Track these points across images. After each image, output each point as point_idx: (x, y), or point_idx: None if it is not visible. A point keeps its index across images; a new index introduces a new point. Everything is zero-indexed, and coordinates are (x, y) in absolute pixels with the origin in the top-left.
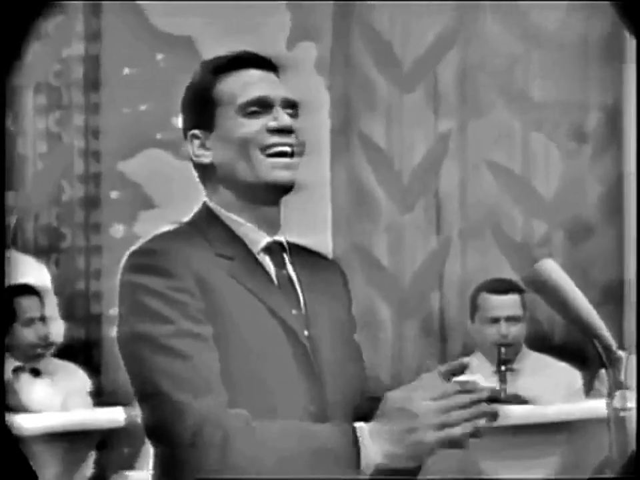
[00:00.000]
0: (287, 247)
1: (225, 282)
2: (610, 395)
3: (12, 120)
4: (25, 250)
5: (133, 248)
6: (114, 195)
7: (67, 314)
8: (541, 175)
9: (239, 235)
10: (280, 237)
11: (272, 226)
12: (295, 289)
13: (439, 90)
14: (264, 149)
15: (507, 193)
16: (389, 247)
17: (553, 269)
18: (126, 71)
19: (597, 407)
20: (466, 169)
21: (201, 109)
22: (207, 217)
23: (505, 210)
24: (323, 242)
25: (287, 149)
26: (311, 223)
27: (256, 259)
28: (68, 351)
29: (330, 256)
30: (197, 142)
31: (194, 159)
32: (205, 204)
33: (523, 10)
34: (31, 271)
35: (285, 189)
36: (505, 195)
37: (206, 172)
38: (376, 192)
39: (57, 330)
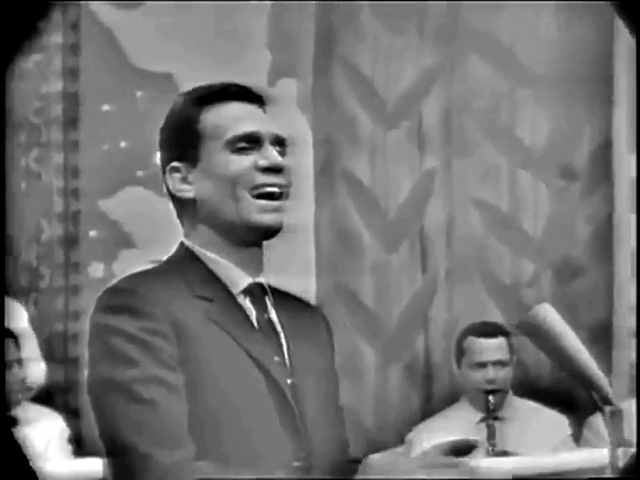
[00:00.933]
0: (268, 290)
1: (203, 325)
2: (612, 453)
3: None
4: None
5: (106, 287)
6: (93, 233)
7: (46, 356)
8: (528, 213)
9: (218, 275)
10: (262, 279)
11: (254, 267)
12: (277, 334)
13: (423, 127)
14: (253, 188)
15: (493, 232)
16: (373, 287)
17: (549, 314)
18: (105, 107)
19: (592, 458)
20: (452, 207)
21: (184, 140)
22: (185, 256)
23: (492, 249)
24: (306, 282)
25: (276, 189)
26: (294, 263)
27: (236, 301)
28: (47, 395)
29: (313, 299)
30: (177, 175)
31: (175, 193)
32: (182, 243)
33: (508, 46)
34: (9, 313)
35: (272, 232)
36: (492, 234)
37: (186, 208)
38: (360, 231)
39: (38, 372)
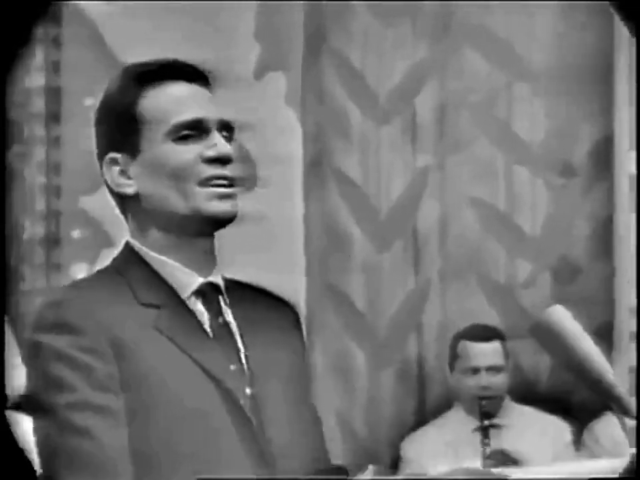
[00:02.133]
0: (223, 289)
1: (148, 337)
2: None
3: None
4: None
5: (43, 299)
6: (75, 233)
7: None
8: (525, 211)
9: (165, 277)
10: (214, 277)
11: (205, 264)
12: (234, 339)
13: (416, 122)
14: (200, 182)
15: (489, 231)
16: (364, 288)
17: (562, 317)
18: (88, 102)
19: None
20: (446, 205)
21: (122, 128)
22: (130, 258)
23: (488, 249)
24: (295, 282)
25: (226, 182)
26: (282, 262)
27: (186, 306)
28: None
29: (302, 300)
30: (116, 168)
31: (114, 188)
32: (127, 243)
33: (505, 39)
34: None
35: (225, 220)
36: (488, 233)
37: (128, 204)
38: (351, 230)
39: (18, 379)
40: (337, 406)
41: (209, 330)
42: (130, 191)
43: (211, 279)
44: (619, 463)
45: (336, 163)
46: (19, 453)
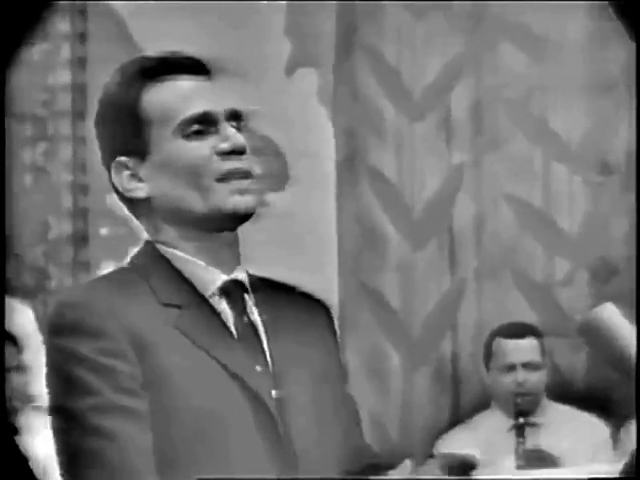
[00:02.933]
0: (248, 287)
1: (170, 338)
2: None
3: None
4: (8, 291)
5: (56, 300)
6: (103, 231)
7: None
8: (563, 209)
9: (187, 276)
10: (239, 274)
11: (228, 261)
12: (260, 339)
13: (451, 119)
14: (219, 177)
15: (526, 228)
16: (399, 287)
17: (613, 315)
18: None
19: None
20: (482, 203)
21: (126, 130)
22: (150, 256)
23: (524, 247)
24: (328, 282)
25: (243, 176)
26: (315, 261)
27: (209, 305)
28: None
29: (333, 297)
30: (125, 173)
31: (125, 193)
32: (147, 241)
33: (541, 34)
34: (12, 315)
35: (246, 216)
36: (524, 231)
37: (141, 208)
38: (385, 228)
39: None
40: (371, 406)
41: (233, 330)
42: (142, 194)
43: (235, 275)
44: None
45: (369, 161)
46: (20, 461)
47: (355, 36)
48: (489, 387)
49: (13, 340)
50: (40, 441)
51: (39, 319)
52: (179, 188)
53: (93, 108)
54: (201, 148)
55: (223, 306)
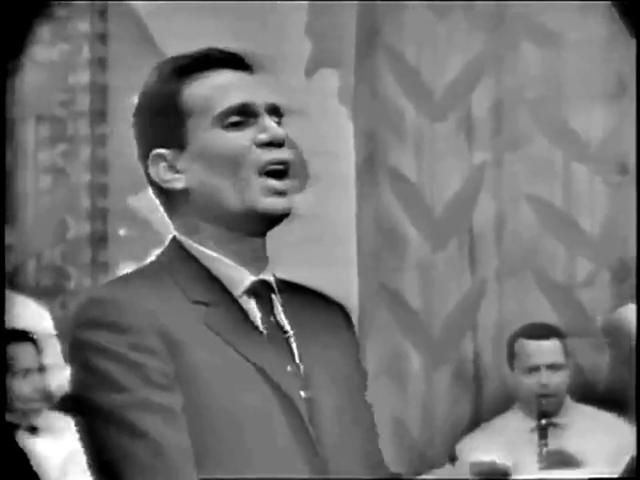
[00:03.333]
0: (275, 288)
1: (200, 335)
2: None
3: (12, 153)
4: (26, 292)
5: (83, 297)
6: (122, 232)
7: None
8: (584, 210)
9: (215, 274)
10: (267, 275)
11: (257, 262)
12: (288, 340)
13: (472, 119)
14: (258, 168)
15: (547, 229)
16: (419, 287)
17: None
18: (135, 99)
19: None
20: (503, 203)
21: (166, 122)
22: (178, 254)
23: (546, 247)
24: (347, 282)
25: (282, 167)
26: (335, 262)
27: (238, 305)
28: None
29: (353, 297)
30: (163, 164)
31: (162, 185)
32: (174, 238)
33: (561, 33)
34: (30, 316)
35: (279, 219)
36: (545, 232)
37: (176, 199)
38: (405, 228)
39: (62, 380)
40: (392, 407)
41: (262, 330)
42: (179, 185)
43: (263, 276)
44: None
45: (390, 161)
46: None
47: (376, 36)
48: (511, 387)
49: (32, 341)
50: (59, 442)
51: (56, 319)
52: (218, 179)
53: (112, 108)
54: (240, 138)
55: (251, 305)
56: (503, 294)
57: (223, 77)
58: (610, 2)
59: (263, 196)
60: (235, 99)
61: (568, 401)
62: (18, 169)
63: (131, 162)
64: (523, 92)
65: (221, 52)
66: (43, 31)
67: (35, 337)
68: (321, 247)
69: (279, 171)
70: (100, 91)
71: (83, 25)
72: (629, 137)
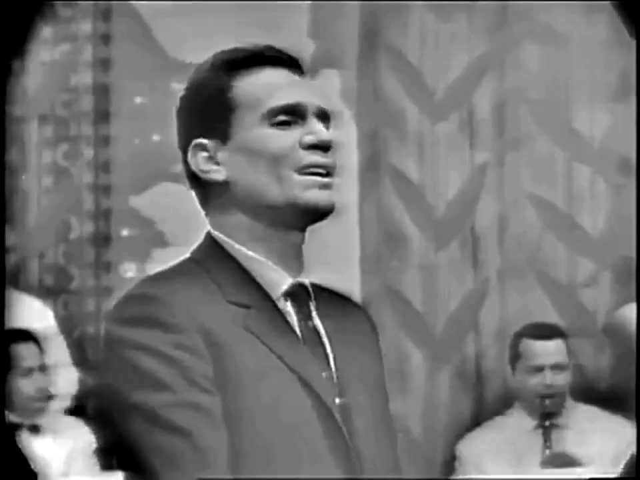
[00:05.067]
0: (311, 291)
1: (239, 337)
2: None
3: (14, 153)
4: (29, 291)
5: (122, 295)
6: (125, 232)
7: (76, 360)
8: (586, 210)
9: (254, 275)
10: (303, 279)
11: (294, 263)
12: (323, 345)
13: (474, 119)
14: (299, 169)
15: (549, 229)
16: (421, 287)
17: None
18: (138, 100)
19: None
20: (505, 203)
21: (212, 113)
22: (214, 251)
23: (548, 247)
24: (350, 282)
25: (324, 171)
26: (337, 261)
27: (276, 307)
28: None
29: (355, 297)
30: (203, 154)
31: (201, 175)
32: (209, 235)
33: (564, 34)
34: (33, 315)
35: (322, 213)
36: (547, 232)
37: (215, 192)
38: (407, 228)
39: (68, 379)
40: (393, 406)
41: (299, 334)
42: (219, 177)
43: (301, 279)
44: None
45: (392, 161)
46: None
47: (378, 37)
48: (513, 387)
49: (35, 340)
50: (61, 441)
51: (60, 319)
52: (258, 174)
53: (115, 108)
54: (286, 138)
55: (288, 309)
56: (505, 294)
57: (277, 76)
58: (610, 2)
59: (304, 190)
60: (287, 98)
61: (569, 400)
62: (21, 168)
63: (133, 162)
64: (525, 92)
65: (277, 51)
66: (46, 31)
67: (37, 336)
68: (323, 247)
69: (320, 174)
70: (103, 92)
71: (86, 26)
72: (631, 137)
